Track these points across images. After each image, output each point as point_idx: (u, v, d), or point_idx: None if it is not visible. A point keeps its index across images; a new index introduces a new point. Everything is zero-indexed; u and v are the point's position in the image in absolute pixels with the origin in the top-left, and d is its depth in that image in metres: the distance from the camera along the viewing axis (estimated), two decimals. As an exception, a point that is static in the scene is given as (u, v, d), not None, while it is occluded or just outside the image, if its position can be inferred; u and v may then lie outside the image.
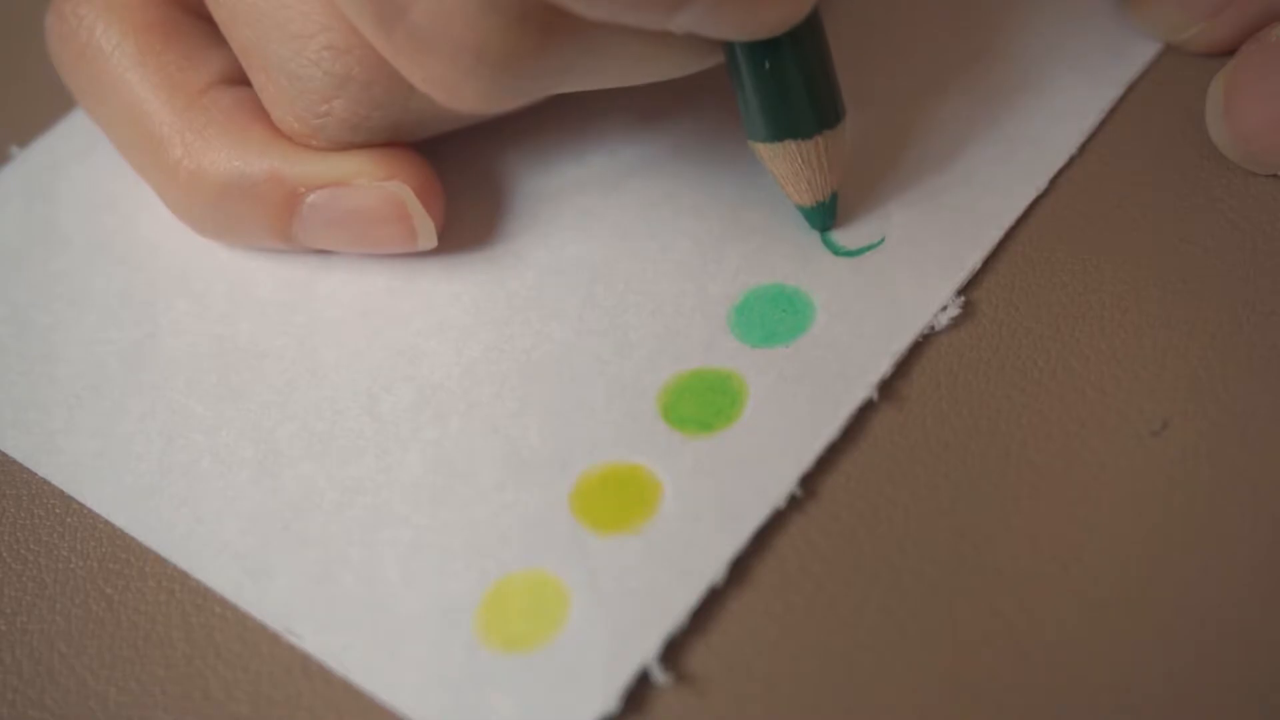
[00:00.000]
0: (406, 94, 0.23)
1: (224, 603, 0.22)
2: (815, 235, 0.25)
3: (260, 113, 0.25)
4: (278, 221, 0.25)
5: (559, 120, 0.27)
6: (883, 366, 0.23)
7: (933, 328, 0.24)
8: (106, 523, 0.23)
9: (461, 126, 0.26)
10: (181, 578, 0.23)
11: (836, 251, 0.25)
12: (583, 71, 0.22)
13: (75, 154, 0.29)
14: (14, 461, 0.24)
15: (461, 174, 0.27)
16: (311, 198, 0.24)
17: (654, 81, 0.23)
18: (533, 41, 0.20)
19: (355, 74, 0.23)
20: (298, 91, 0.23)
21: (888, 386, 0.23)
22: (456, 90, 0.21)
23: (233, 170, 0.24)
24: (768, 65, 0.22)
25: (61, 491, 0.24)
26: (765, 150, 0.24)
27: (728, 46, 0.22)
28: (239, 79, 0.25)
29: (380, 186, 0.24)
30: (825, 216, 0.25)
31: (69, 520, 0.24)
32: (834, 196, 0.25)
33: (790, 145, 0.23)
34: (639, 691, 0.20)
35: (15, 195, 0.28)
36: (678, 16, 0.20)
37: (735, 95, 0.23)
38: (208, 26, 0.25)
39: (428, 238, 0.25)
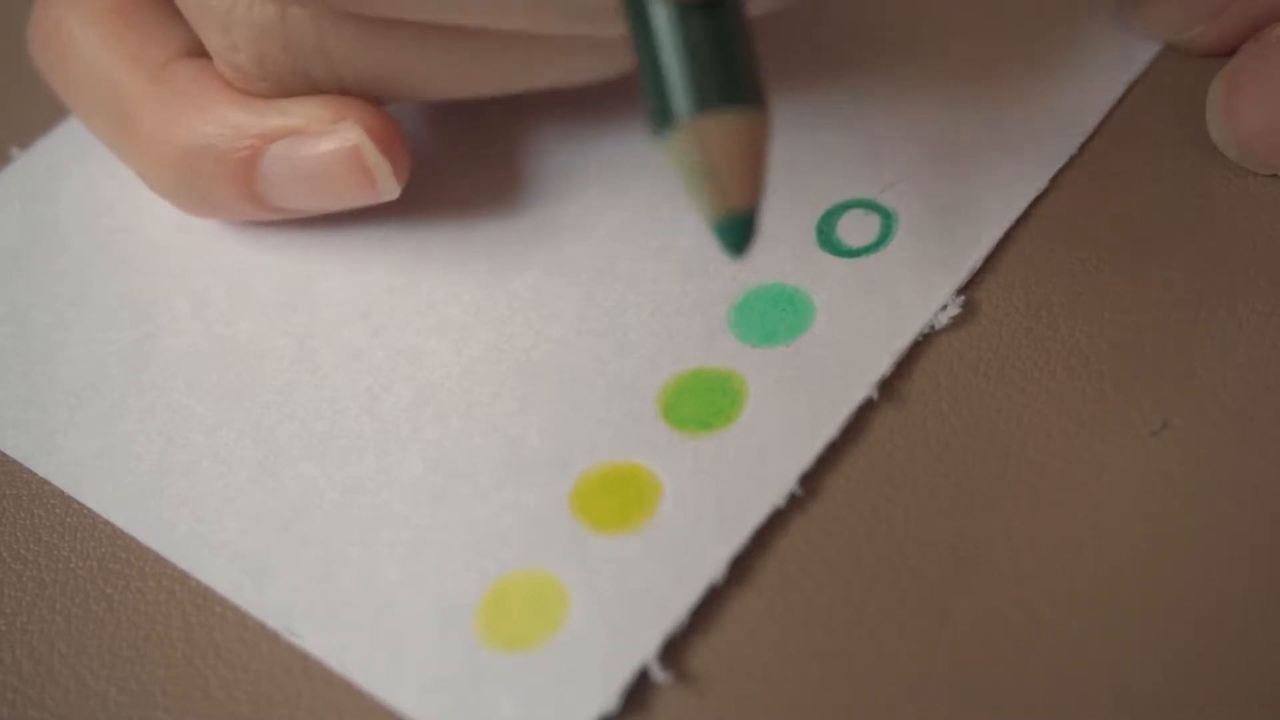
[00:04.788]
0: (279, 23, 0.23)
1: (224, 603, 0.22)
2: (815, 235, 0.25)
3: (220, 80, 0.25)
4: (242, 182, 0.25)
5: (560, 120, 0.27)
6: (883, 366, 0.23)
7: (933, 327, 0.24)
8: (106, 523, 0.23)
9: (412, 98, 0.25)
10: (181, 578, 0.23)
11: (837, 251, 0.25)
12: None
13: (75, 156, 0.29)
14: (14, 461, 0.24)
15: (462, 174, 0.27)
16: (271, 149, 0.24)
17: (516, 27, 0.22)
18: None
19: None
20: (203, 24, 0.23)
21: (888, 386, 0.23)
22: None
23: (194, 133, 0.24)
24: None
25: (61, 491, 0.24)
26: (696, 130, 0.18)
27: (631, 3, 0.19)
28: (202, 52, 0.25)
29: (331, 129, 0.24)
30: (745, 232, 0.19)
31: (69, 520, 0.24)
32: (759, 208, 0.19)
33: (733, 118, 0.18)
34: (639, 691, 0.20)
35: (15, 197, 0.28)
36: None
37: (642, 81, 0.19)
38: (169, 7, 0.26)
39: (388, 185, 0.25)
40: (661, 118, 0.19)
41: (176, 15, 0.26)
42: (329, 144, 0.24)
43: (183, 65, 0.25)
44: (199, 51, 0.25)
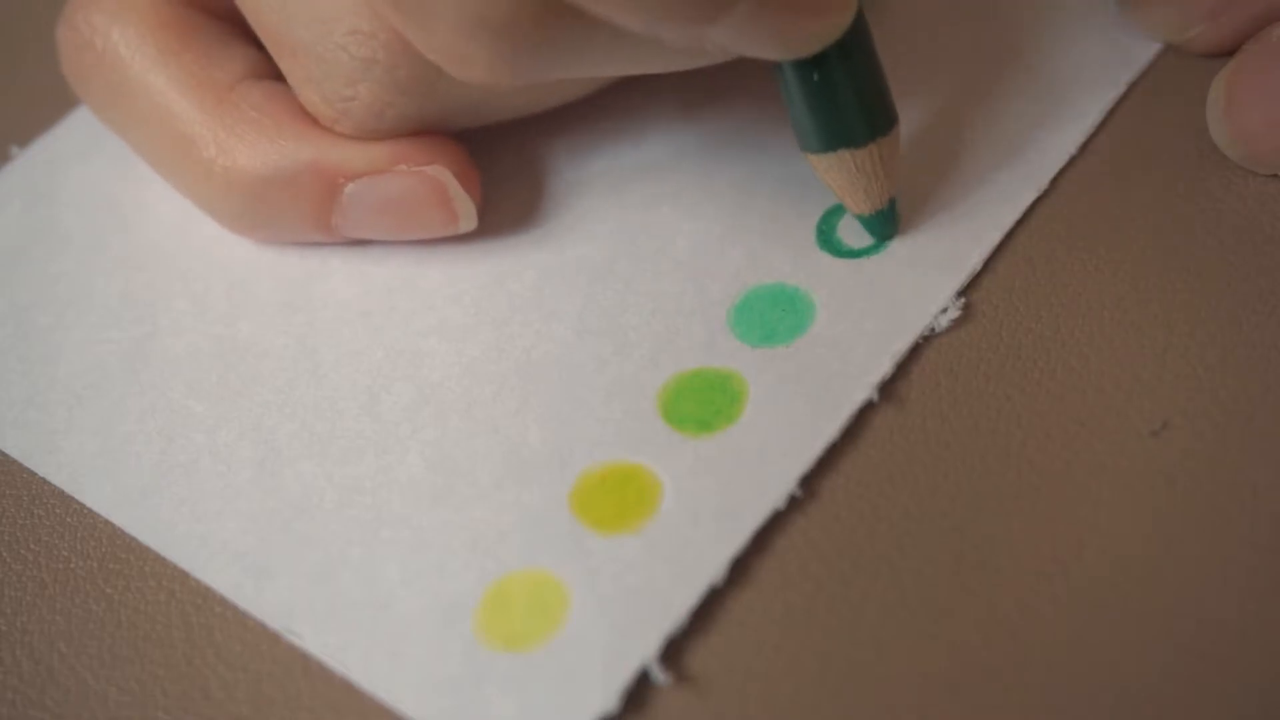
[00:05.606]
0: (431, 80, 0.23)
1: (224, 603, 0.22)
2: (815, 235, 0.25)
3: (292, 105, 0.25)
4: (317, 212, 0.25)
5: (560, 123, 0.27)
6: (883, 366, 0.23)
7: (933, 328, 0.24)
8: (106, 523, 0.23)
9: (488, 122, 0.26)
10: (181, 578, 0.23)
11: (837, 252, 0.25)
12: (595, 51, 0.21)
13: (75, 154, 0.29)
14: (14, 461, 0.24)
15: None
16: (351, 187, 0.24)
17: (679, 69, 0.22)
18: (533, 12, 0.20)
19: (380, 58, 0.23)
20: (324, 74, 0.23)
21: (888, 387, 0.23)
22: (463, 59, 0.21)
23: (269, 164, 0.24)
24: (816, 77, 0.22)
25: (61, 491, 0.24)
26: (819, 161, 0.24)
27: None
28: (264, 74, 0.25)
29: (420, 172, 0.24)
30: (885, 224, 0.25)
31: (69, 520, 0.24)
32: (893, 204, 0.24)
33: (845, 155, 0.23)
34: (639, 691, 0.20)
35: (15, 195, 0.28)
36: (710, 32, 0.20)
37: (761, 103, 0.23)
38: (221, 24, 0.25)
39: (468, 219, 0.25)
40: (807, 144, 0.24)
41: (235, 36, 0.25)
42: (416, 185, 0.24)
43: (249, 89, 0.25)
44: (262, 73, 0.25)
